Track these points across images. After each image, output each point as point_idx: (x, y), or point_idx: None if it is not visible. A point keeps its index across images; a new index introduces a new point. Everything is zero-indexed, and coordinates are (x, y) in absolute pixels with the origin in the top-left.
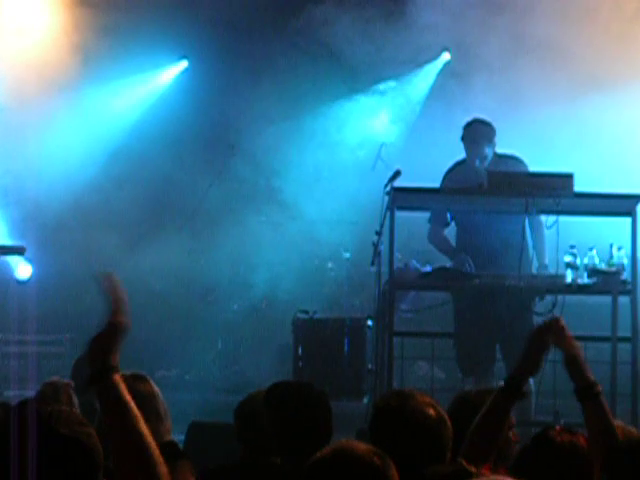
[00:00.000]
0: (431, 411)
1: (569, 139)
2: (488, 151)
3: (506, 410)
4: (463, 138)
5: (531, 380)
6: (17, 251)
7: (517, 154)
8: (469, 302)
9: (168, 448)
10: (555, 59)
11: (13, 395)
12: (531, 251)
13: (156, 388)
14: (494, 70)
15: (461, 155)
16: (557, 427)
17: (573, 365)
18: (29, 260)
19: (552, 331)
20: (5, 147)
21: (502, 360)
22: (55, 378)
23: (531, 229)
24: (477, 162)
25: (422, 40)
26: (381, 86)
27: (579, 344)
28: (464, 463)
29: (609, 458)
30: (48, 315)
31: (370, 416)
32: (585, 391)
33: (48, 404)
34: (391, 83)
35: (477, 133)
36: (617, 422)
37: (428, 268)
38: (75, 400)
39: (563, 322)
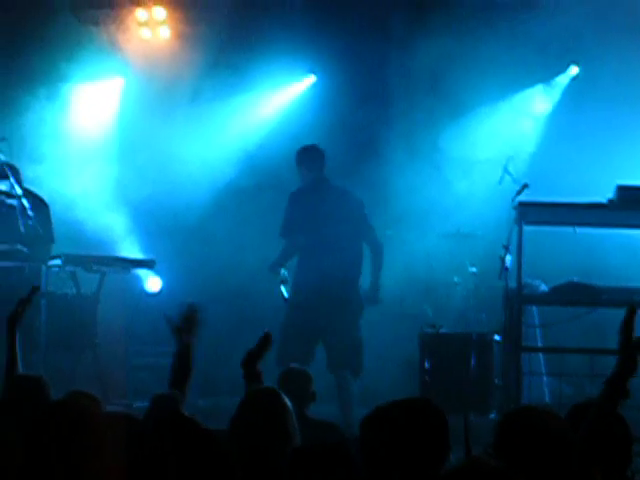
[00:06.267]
0: (554, 425)
1: None
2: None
3: (610, 412)
4: None
5: None
6: (147, 264)
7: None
8: None
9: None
10: None
11: (143, 407)
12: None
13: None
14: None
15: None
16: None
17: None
18: (159, 273)
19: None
20: (137, 163)
21: None
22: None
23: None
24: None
25: (547, 53)
26: (509, 101)
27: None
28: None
29: None
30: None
31: (494, 433)
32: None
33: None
34: (519, 97)
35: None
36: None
37: (543, 287)
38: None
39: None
